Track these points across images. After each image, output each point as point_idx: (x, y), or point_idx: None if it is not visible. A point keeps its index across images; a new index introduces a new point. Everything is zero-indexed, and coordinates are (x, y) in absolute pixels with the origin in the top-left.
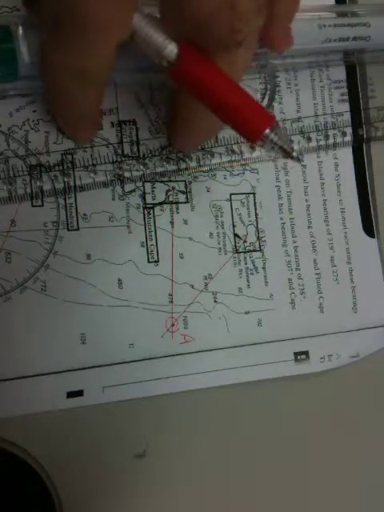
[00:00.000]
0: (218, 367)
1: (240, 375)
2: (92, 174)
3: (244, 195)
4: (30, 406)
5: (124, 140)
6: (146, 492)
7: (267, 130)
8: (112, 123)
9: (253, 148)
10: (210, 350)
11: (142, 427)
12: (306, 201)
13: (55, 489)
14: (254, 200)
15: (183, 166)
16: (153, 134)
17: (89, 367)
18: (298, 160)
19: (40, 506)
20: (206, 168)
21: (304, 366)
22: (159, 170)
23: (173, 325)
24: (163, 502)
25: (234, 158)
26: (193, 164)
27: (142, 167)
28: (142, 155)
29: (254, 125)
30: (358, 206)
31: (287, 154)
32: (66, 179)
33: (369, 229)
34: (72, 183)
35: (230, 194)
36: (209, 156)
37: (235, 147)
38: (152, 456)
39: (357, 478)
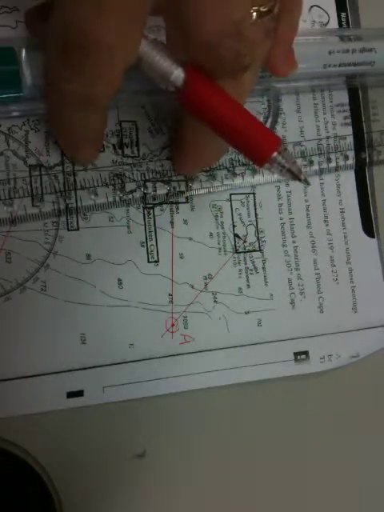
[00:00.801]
0: (218, 367)
1: (240, 375)
2: (93, 194)
3: (244, 195)
4: (30, 406)
5: (124, 140)
6: (146, 492)
7: (275, 154)
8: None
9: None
10: (210, 350)
11: (142, 427)
12: (306, 201)
13: (55, 489)
14: (254, 200)
15: (185, 181)
16: (153, 134)
17: (89, 367)
18: (306, 182)
19: (40, 506)
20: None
21: (304, 365)
22: (159, 170)
23: (173, 325)
24: (163, 502)
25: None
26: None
27: (142, 167)
28: (142, 155)
29: (262, 148)
30: (357, 206)
31: (295, 177)
32: (67, 196)
33: (369, 229)
34: (72, 183)
35: (230, 194)
36: (210, 178)
37: (237, 170)
38: (152, 456)
39: (357, 478)
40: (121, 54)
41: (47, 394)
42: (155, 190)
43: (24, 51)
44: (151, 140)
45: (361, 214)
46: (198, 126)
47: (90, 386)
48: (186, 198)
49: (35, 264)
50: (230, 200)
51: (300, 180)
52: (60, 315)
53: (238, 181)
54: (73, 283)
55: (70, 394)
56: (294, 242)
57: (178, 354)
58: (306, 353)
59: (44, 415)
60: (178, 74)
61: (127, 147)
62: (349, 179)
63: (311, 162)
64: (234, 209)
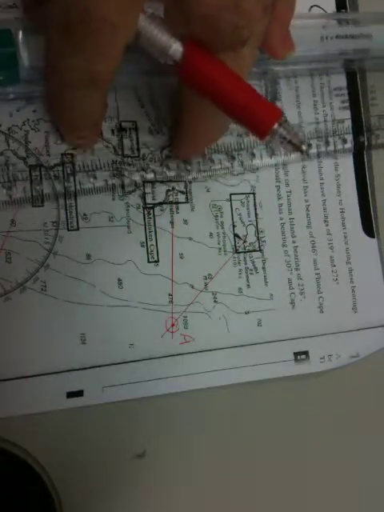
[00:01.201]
0: (217, 367)
1: (240, 375)
2: (92, 178)
3: (244, 195)
4: (30, 406)
5: (124, 140)
6: (146, 492)
7: (276, 125)
8: (112, 124)
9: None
10: (210, 350)
11: (142, 427)
12: (306, 201)
13: (55, 489)
14: (254, 200)
15: (183, 166)
16: (153, 134)
17: (89, 367)
18: (308, 154)
19: (40, 506)
20: (207, 174)
21: (304, 365)
22: (159, 169)
23: (173, 325)
24: (163, 502)
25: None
26: (193, 166)
27: (141, 167)
28: (141, 155)
29: (263, 120)
30: (357, 206)
31: (296, 148)
32: (65, 180)
33: (368, 229)
34: (72, 183)
35: (230, 194)
36: (209, 162)
37: (235, 153)
38: (152, 456)
39: (357, 478)
40: (123, 30)
41: (47, 394)
42: (155, 190)
43: (21, 33)
44: (151, 140)
45: (361, 213)
46: (198, 103)
47: (89, 385)
48: (186, 197)
49: (35, 264)
50: (230, 200)
51: (302, 151)
52: (60, 315)
53: (236, 163)
54: (73, 283)
55: (70, 394)
56: (293, 242)
57: (177, 354)
58: (305, 353)
59: (44, 415)
60: (176, 48)
61: (127, 147)
62: (349, 179)
63: (309, 146)
64: (234, 209)
